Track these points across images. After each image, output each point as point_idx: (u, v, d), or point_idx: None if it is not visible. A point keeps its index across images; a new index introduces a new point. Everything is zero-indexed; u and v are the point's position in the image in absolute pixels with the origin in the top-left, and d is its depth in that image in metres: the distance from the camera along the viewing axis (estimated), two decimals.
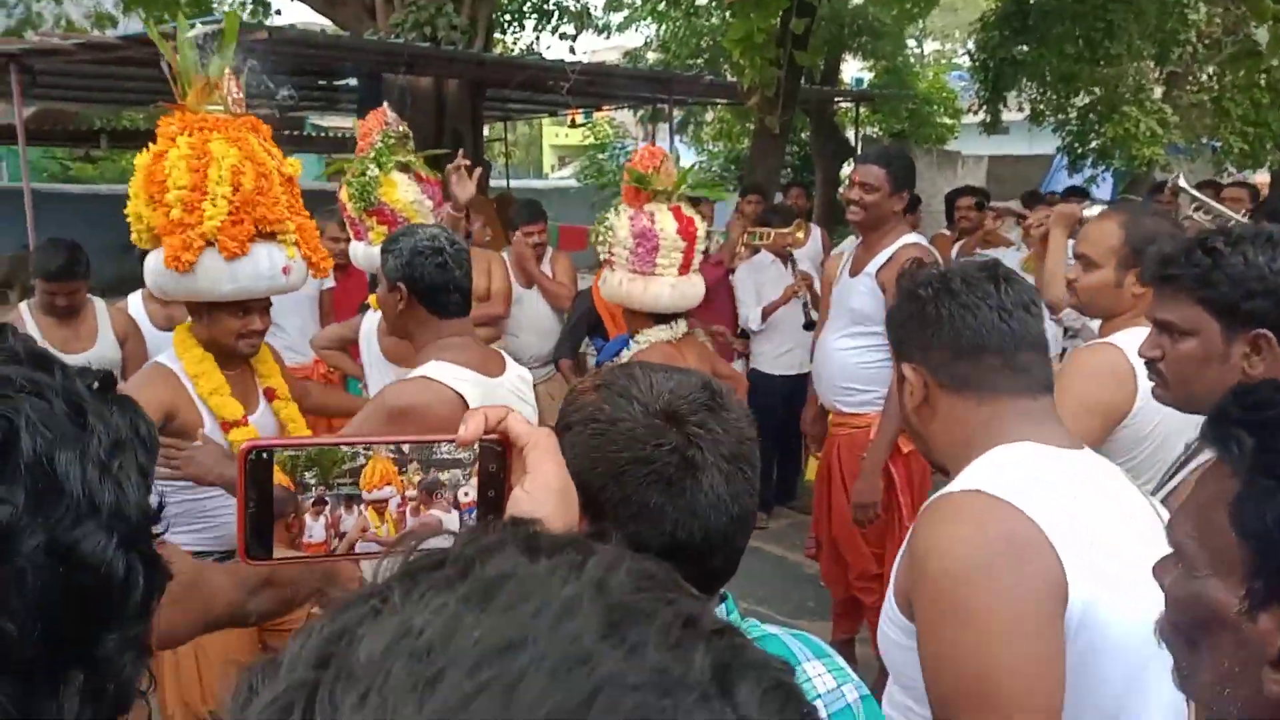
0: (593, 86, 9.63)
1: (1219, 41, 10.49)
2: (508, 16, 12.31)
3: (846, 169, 10.54)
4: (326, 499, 0.61)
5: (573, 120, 17.08)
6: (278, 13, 11.28)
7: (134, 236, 2.32)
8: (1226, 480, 0.76)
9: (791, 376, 4.99)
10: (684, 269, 3.01)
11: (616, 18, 14.37)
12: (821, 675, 1.02)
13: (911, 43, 17.74)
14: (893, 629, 1.29)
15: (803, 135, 13.75)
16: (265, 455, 0.59)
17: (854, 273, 3.37)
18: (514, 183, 14.97)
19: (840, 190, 8.17)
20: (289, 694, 0.28)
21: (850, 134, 13.66)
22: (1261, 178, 11.16)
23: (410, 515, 0.63)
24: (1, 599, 0.47)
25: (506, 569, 0.30)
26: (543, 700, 0.26)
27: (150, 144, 2.28)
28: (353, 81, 8.85)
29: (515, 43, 13.16)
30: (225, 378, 2.36)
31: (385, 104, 3.44)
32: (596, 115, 18.21)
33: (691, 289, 3.04)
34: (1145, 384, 1.75)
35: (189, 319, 2.41)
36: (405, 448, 0.62)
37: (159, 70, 2.43)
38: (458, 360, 2.14)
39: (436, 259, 2.15)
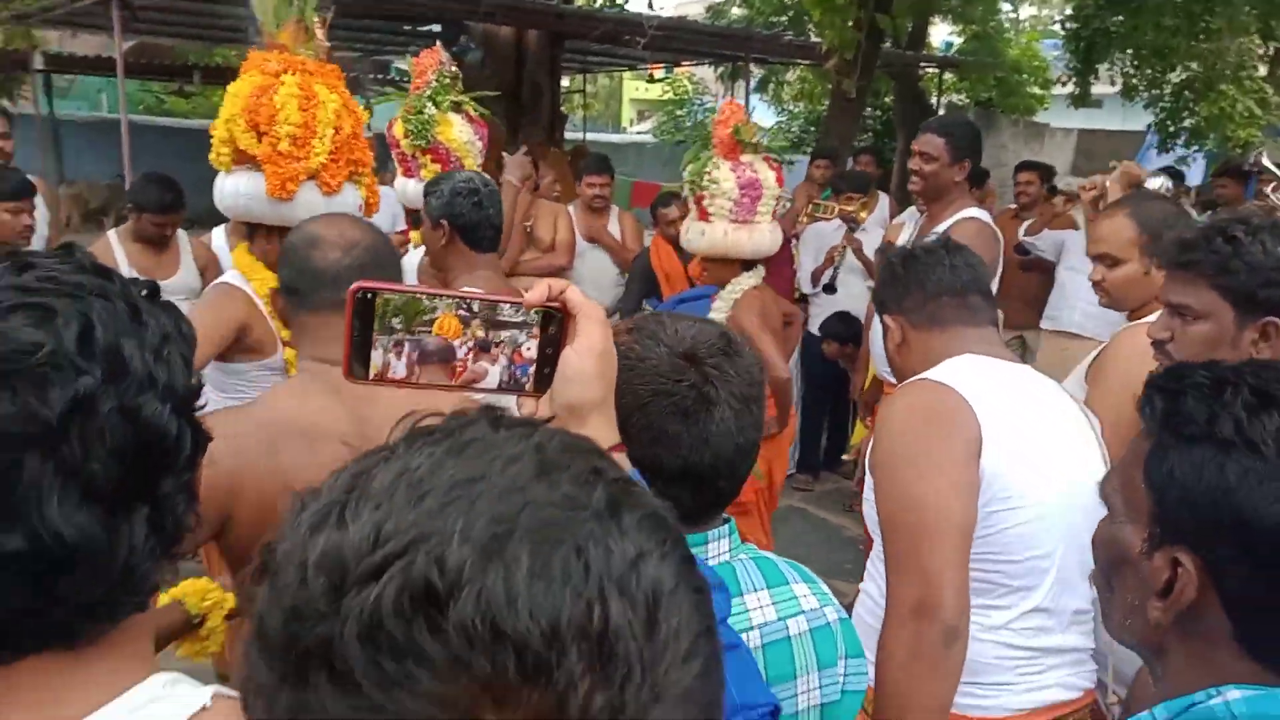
0: (670, 41, 9.58)
1: None
2: None
3: None
4: (407, 342, 0.75)
5: (651, 75, 16.99)
6: None
7: (214, 157, 2.48)
8: (1145, 440, 0.84)
9: None
10: (773, 216, 3.36)
11: None
12: (806, 596, 1.16)
13: (1006, 6, 17.11)
14: (869, 498, 1.62)
15: (886, 100, 13.47)
16: (370, 295, 0.73)
17: None
18: (590, 135, 14.97)
19: None
20: (327, 506, 0.42)
21: (936, 101, 13.32)
22: None
23: (471, 363, 0.76)
24: (88, 447, 0.61)
25: (476, 435, 0.44)
26: (489, 509, 0.39)
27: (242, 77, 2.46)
28: (437, 27, 8.97)
29: None
30: None
31: (438, 43, 3.52)
32: (677, 71, 18.06)
33: (779, 234, 3.41)
34: None
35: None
36: (474, 306, 0.76)
37: (251, 10, 2.58)
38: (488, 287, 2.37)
39: (473, 199, 2.42)
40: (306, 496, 0.43)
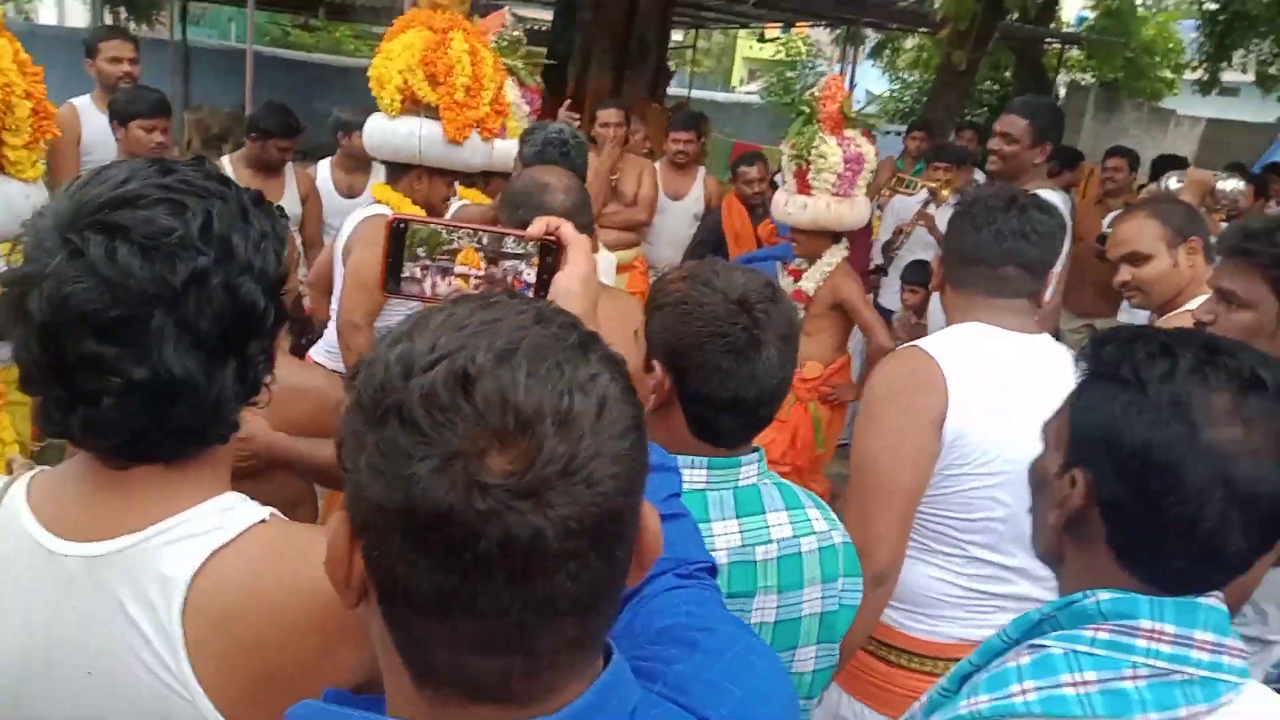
0: (783, 0, 9.50)
1: None
2: None
3: None
4: (429, 266, 0.92)
5: (762, 34, 16.75)
6: None
7: (385, 103, 2.70)
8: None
9: None
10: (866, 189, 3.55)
11: None
12: (818, 519, 1.35)
13: None
14: None
15: (1007, 75, 13.05)
16: (403, 226, 0.91)
17: None
18: (696, 93, 14.84)
19: None
20: (399, 334, 0.61)
21: (1057, 78, 12.83)
22: None
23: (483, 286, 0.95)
24: (199, 310, 0.81)
25: (499, 300, 0.64)
26: (504, 336, 0.59)
27: (391, 22, 2.77)
28: None
29: None
30: None
31: (506, 9, 3.73)
32: (791, 31, 17.78)
33: (870, 207, 3.64)
34: None
35: (371, 183, 2.83)
36: (485, 239, 0.93)
37: None
38: None
39: (562, 149, 2.66)
40: (383, 337, 0.64)
